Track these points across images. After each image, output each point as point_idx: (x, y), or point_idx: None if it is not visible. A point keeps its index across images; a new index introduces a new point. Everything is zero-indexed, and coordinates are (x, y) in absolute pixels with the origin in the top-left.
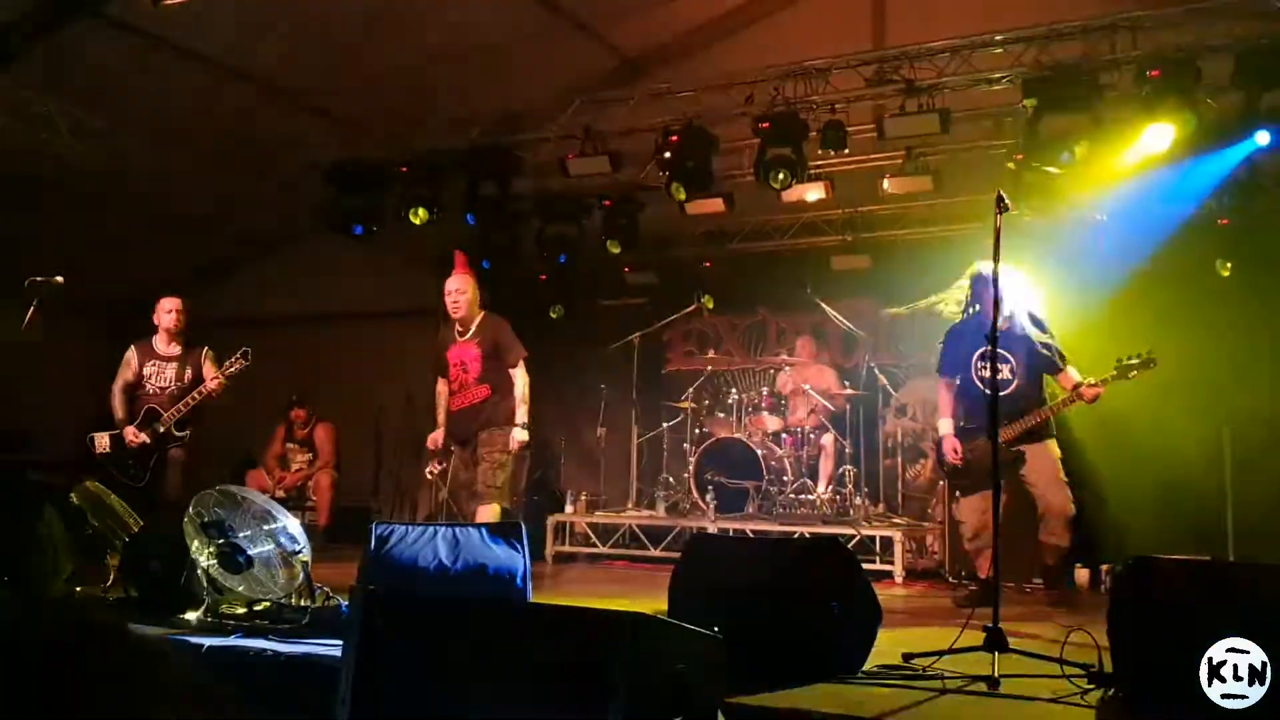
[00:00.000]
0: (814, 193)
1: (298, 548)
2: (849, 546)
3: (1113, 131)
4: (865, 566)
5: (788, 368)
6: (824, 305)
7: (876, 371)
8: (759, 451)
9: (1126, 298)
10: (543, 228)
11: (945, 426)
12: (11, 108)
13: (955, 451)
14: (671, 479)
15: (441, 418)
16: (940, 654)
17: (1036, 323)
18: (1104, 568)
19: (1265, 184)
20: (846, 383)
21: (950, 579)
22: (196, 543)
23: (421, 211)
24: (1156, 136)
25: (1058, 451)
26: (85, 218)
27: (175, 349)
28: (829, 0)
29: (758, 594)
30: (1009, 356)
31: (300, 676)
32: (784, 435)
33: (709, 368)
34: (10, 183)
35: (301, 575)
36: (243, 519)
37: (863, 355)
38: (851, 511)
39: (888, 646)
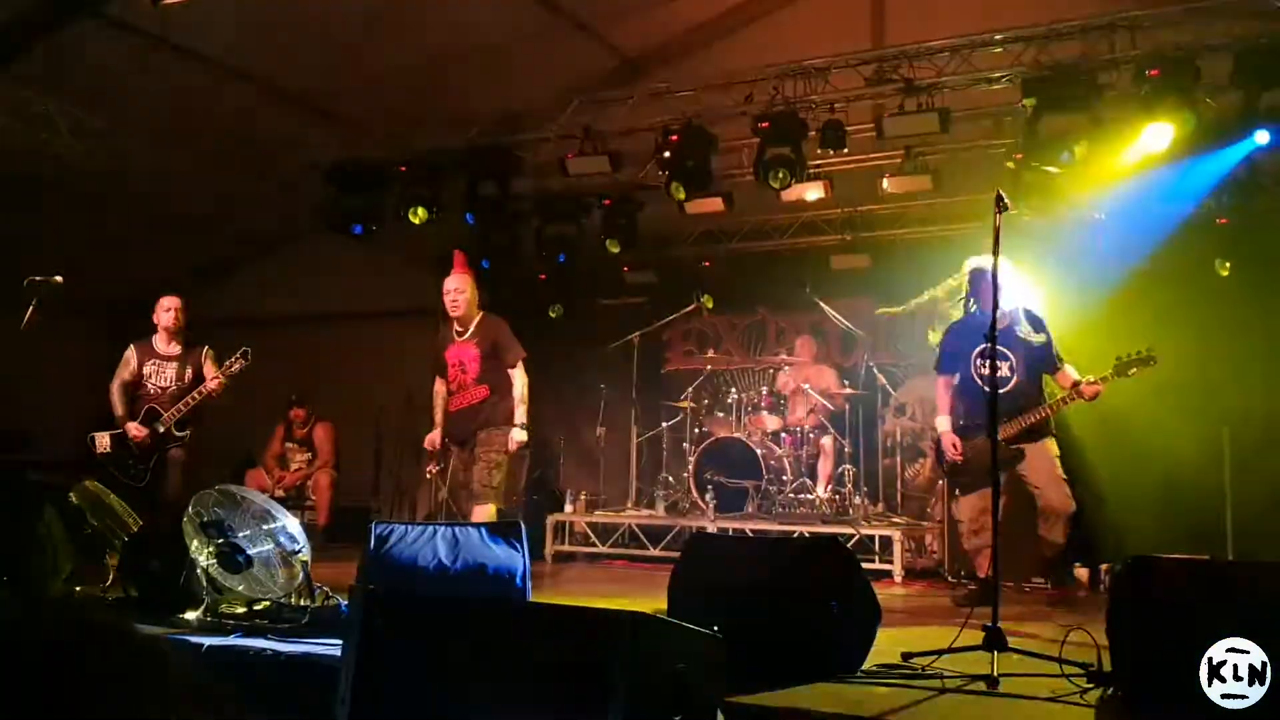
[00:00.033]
0: (813, 192)
1: (297, 547)
2: (848, 546)
3: (1112, 131)
4: (864, 566)
5: (787, 367)
6: (823, 305)
7: (875, 371)
8: (758, 451)
9: (1126, 297)
10: (542, 227)
11: (943, 424)
12: (11, 108)
13: (955, 447)
14: (671, 478)
15: (439, 418)
16: (939, 653)
17: (1035, 321)
18: (1103, 567)
19: (1264, 183)
20: (846, 382)
21: (949, 578)
22: (196, 542)
23: (421, 211)
24: (1156, 136)
25: (1056, 449)
26: (85, 218)
27: (175, 348)
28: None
29: (757, 593)
30: (1008, 354)
31: (300, 676)
32: (783, 435)
33: (708, 367)
34: (10, 183)
35: (301, 575)
36: (242, 519)
37: (862, 355)
38: (851, 511)
39: (887, 646)
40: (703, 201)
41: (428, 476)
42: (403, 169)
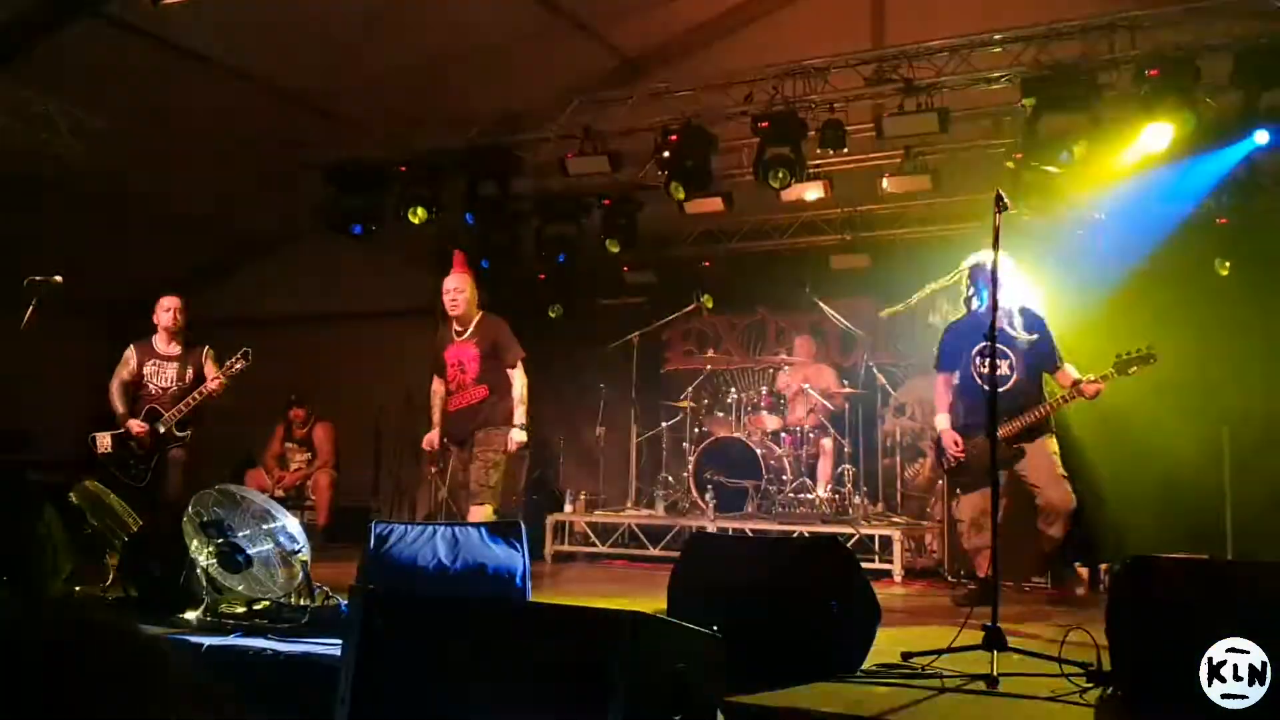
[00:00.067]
0: (813, 192)
1: (297, 547)
2: (848, 545)
3: (1111, 131)
4: (864, 565)
5: (787, 367)
6: (822, 305)
7: (875, 371)
8: (758, 451)
9: (1125, 297)
10: (542, 227)
11: (943, 422)
12: (11, 108)
13: (956, 444)
14: (671, 478)
15: (436, 417)
16: (939, 653)
17: (1032, 319)
18: (1102, 567)
19: (1264, 183)
20: (845, 382)
21: (949, 578)
22: (196, 542)
23: (421, 211)
24: (1155, 136)
25: (1056, 446)
26: (85, 218)
27: (175, 349)
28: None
29: (757, 593)
30: (1008, 352)
31: (299, 676)
32: (783, 434)
33: (708, 367)
34: (10, 183)
35: (301, 574)
36: (242, 518)
37: (861, 354)
38: (850, 510)
39: (886, 645)
40: (702, 201)
41: (428, 478)
42: (402, 169)
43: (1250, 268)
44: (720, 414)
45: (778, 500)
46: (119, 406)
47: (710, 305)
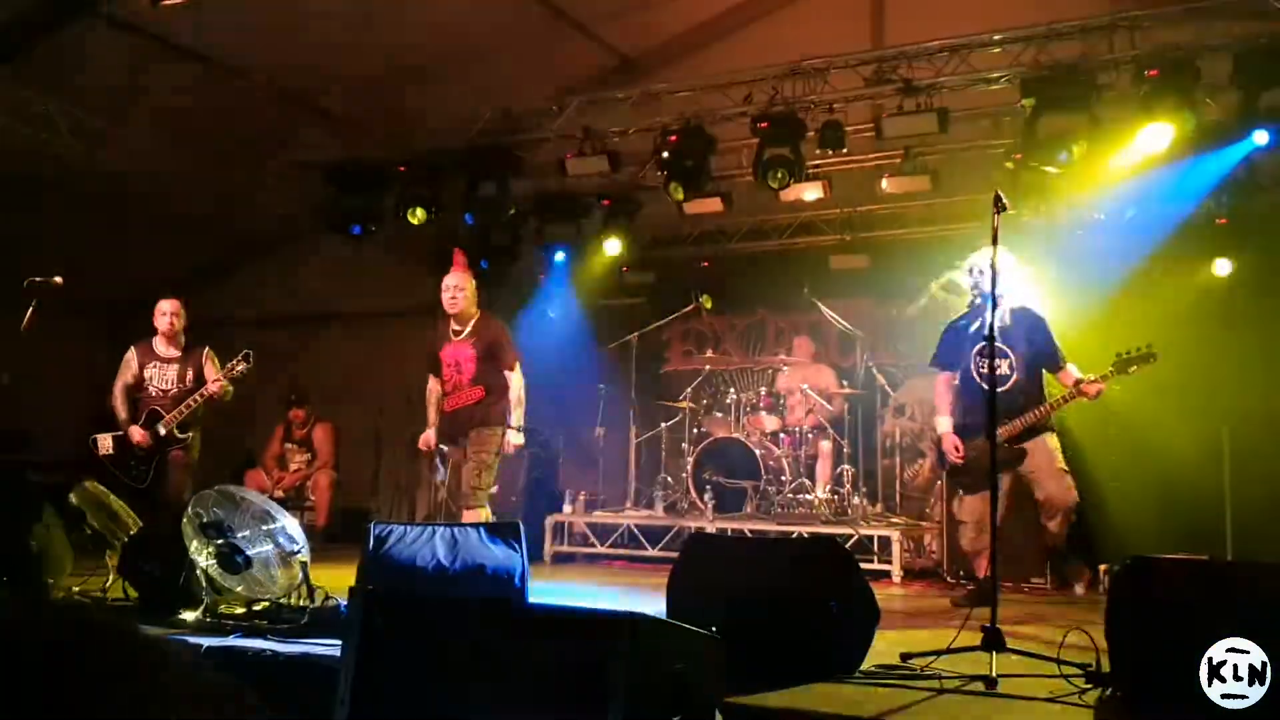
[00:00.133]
0: (812, 192)
1: (296, 548)
2: (847, 546)
3: (1111, 131)
4: (863, 566)
5: (786, 368)
6: (821, 305)
7: (875, 371)
8: (757, 451)
9: (1125, 297)
10: (541, 227)
11: (944, 424)
12: (11, 108)
13: (956, 449)
14: (670, 479)
15: (432, 417)
16: (938, 654)
17: (1034, 320)
18: (1102, 568)
19: (1263, 183)
20: (845, 382)
21: (948, 578)
22: (195, 543)
23: (420, 212)
24: (1155, 136)
25: (1056, 443)
26: (85, 218)
27: (175, 350)
28: (827, 0)
29: (756, 594)
30: (1008, 352)
31: (299, 676)
32: (782, 435)
33: (707, 367)
34: (10, 183)
35: (300, 575)
36: (241, 519)
37: (861, 355)
38: (849, 511)
39: (885, 646)
40: (701, 202)
41: (438, 484)
42: (402, 169)
43: (1250, 268)
44: (719, 415)
45: (777, 501)
46: (121, 412)
47: (709, 306)
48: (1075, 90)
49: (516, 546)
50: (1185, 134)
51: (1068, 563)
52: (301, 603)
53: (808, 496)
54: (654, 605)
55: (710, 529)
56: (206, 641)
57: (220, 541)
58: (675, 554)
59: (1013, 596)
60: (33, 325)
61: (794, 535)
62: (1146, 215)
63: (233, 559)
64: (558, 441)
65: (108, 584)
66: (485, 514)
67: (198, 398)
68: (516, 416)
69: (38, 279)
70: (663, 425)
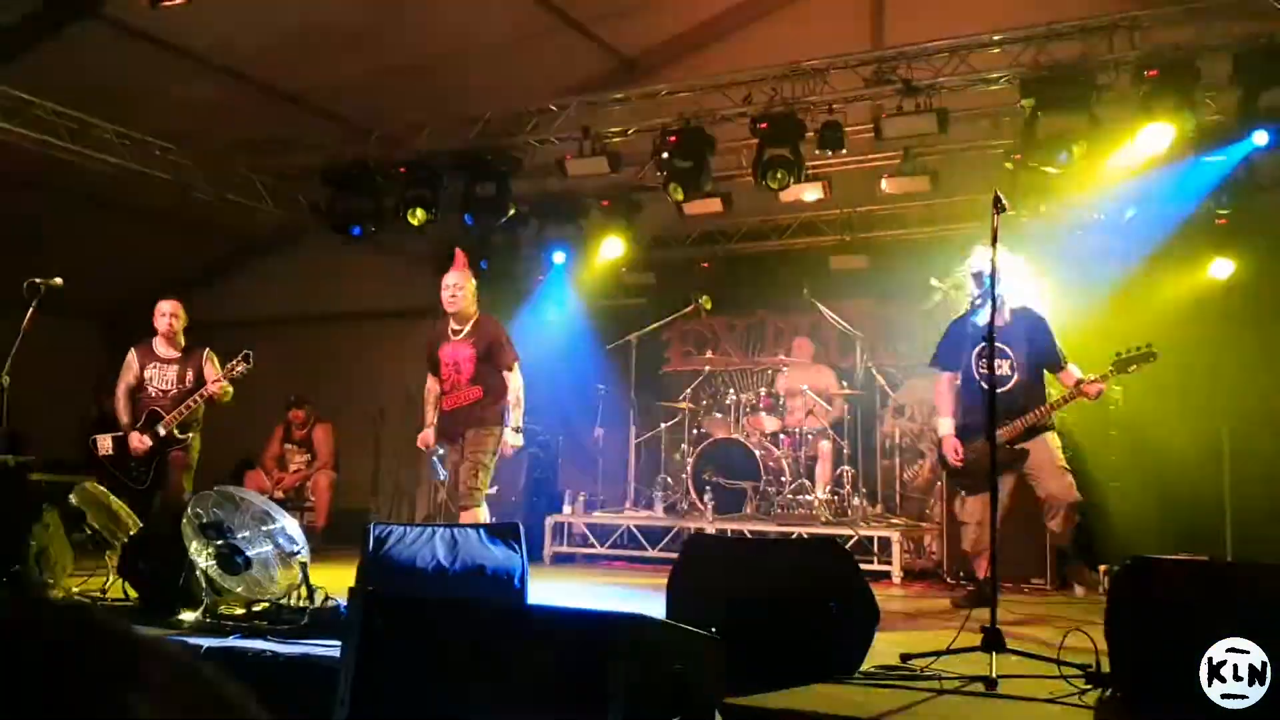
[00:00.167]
0: (812, 193)
1: (296, 548)
2: (846, 547)
3: (1110, 131)
4: (863, 567)
5: (785, 368)
6: (820, 306)
7: (874, 372)
8: (757, 452)
9: (1125, 297)
10: (541, 228)
11: (945, 427)
12: (11, 108)
13: (956, 453)
14: (669, 479)
15: (430, 416)
16: (938, 654)
17: (1034, 320)
18: (1101, 568)
19: (1263, 183)
20: (844, 383)
21: (948, 579)
22: (195, 544)
23: (420, 213)
24: (1154, 136)
25: (1057, 441)
26: (85, 218)
27: (175, 351)
28: (827, 0)
29: (755, 595)
30: (1009, 352)
31: (298, 677)
32: (782, 436)
33: (707, 368)
34: (10, 183)
35: (300, 576)
36: (241, 520)
37: (860, 356)
38: (849, 512)
39: (885, 647)
40: (701, 202)
41: (438, 484)
42: (402, 170)
43: (1250, 268)
44: (719, 415)
45: (776, 502)
46: (124, 416)
47: (709, 306)
48: (1075, 90)
49: (516, 547)
50: (1185, 134)
51: (1068, 563)
52: (301, 603)
53: (807, 497)
54: (654, 606)
55: (710, 530)
56: (206, 642)
57: (220, 542)
58: (675, 555)
59: (1013, 597)
60: (32, 326)
61: (794, 536)
62: (1146, 215)
63: (232, 560)
64: (557, 442)
65: (108, 584)
66: (482, 514)
67: (197, 398)
68: (515, 417)
69: (38, 280)
70: (662, 426)
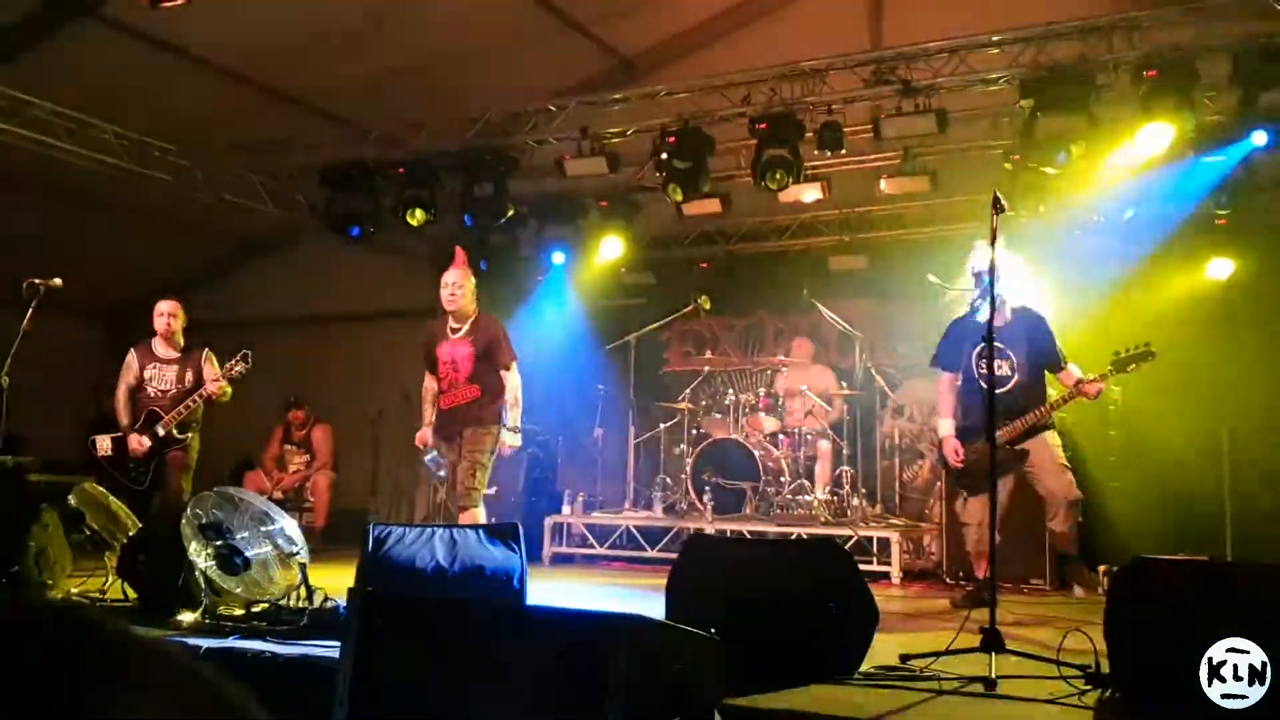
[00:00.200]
0: (811, 193)
1: (295, 549)
2: (846, 547)
3: (1110, 131)
4: (862, 567)
5: (785, 369)
6: (820, 306)
7: (874, 372)
8: (756, 452)
9: (1125, 297)
10: (540, 228)
11: (945, 428)
12: (11, 108)
13: (956, 454)
14: (669, 480)
15: (428, 415)
16: (937, 655)
17: (1034, 320)
18: (1101, 568)
19: (1263, 183)
20: (844, 383)
21: (948, 580)
22: (194, 544)
23: (420, 213)
24: (1154, 136)
25: (1057, 440)
26: (85, 218)
27: (174, 351)
28: (826, 0)
29: (755, 595)
30: (1009, 353)
31: (298, 678)
32: (781, 436)
33: (706, 368)
34: (10, 183)
35: (299, 576)
36: (240, 521)
37: (860, 356)
38: (849, 512)
39: (885, 647)
40: (700, 203)
41: (437, 484)
42: (401, 170)
43: (1250, 268)
44: (718, 415)
45: (776, 502)
46: (124, 417)
47: (708, 306)
48: (1074, 91)
49: (515, 548)
50: (1184, 134)
51: (1067, 563)
52: (300, 604)
53: (807, 498)
54: (653, 606)
55: (709, 530)
56: (205, 643)
57: (219, 543)
58: (674, 555)
59: (1012, 597)
60: (32, 326)
61: (793, 536)
62: (1146, 215)
63: (231, 560)
64: (556, 442)
65: (107, 585)
66: (479, 514)
67: (196, 398)
68: (513, 417)
69: (37, 280)
70: (662, 426)
